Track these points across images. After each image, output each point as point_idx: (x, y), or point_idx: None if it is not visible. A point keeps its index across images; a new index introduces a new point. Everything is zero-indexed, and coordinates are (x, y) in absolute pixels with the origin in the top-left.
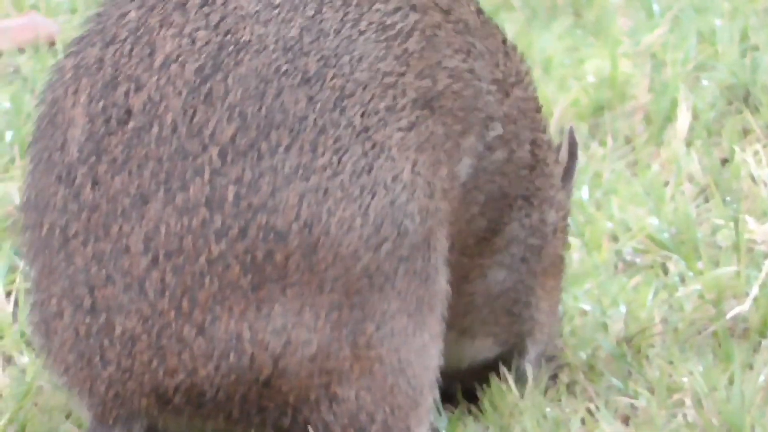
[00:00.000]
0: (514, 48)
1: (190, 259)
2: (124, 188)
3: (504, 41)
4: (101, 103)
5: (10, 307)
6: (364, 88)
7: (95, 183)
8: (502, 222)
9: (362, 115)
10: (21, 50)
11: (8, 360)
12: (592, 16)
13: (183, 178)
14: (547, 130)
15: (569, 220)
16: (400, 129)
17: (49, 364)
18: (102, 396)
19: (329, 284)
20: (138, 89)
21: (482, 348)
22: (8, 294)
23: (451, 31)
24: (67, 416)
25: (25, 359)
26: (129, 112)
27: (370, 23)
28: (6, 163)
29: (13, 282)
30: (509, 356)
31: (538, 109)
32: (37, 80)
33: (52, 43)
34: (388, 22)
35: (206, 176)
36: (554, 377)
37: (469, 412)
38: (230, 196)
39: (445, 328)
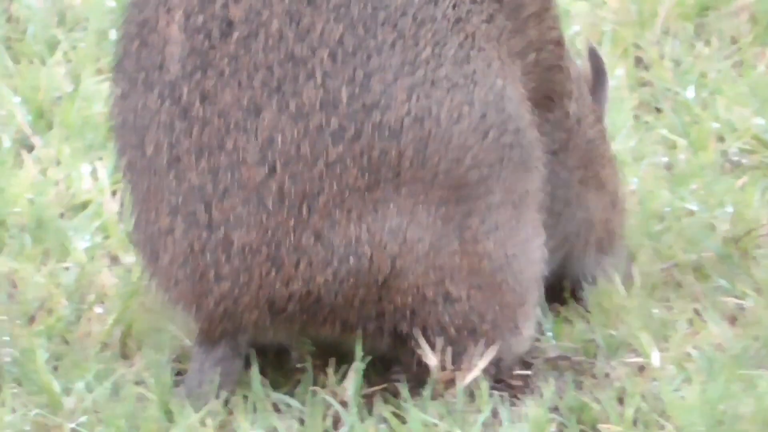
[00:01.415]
0: None
1: (308, 164)
2: (236, 100)
3: None
4: (200, 18)
5: (116, 207)
6: None
7: (204, 98)
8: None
9: (453, 7)
10: None
11: (114, 259)
12: None
13: (295, 84)
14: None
15: (600, 120)
16: (483, 21)
17: (154, 281)
18: (210, 311)
19: (441, 177)
20: (237, 0)
21: None
22: (114, 193)
23: None
24: (173, 317)
25: (131, 258)
26: (231, 24)
27: None
28: (110, 62)
29: (118, 182)
30: (567, 269)
31: (555, 6)
32: None
33: None
34: None
35: (318, 79)
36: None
37: (577, 313)
38: (344, 98)
39: None
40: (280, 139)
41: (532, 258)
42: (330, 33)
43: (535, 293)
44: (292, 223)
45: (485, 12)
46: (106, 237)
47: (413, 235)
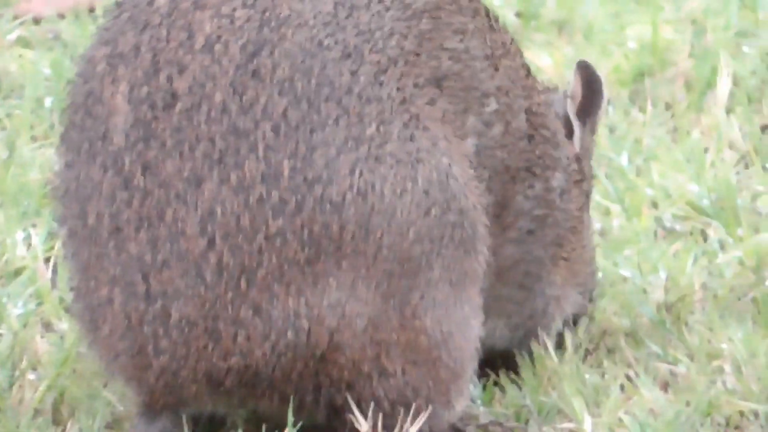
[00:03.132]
0: (497, 19)
1: (248, 237)
2: (177, 172)
3: (488, 14)
4: (144, 89)
5: (49, 274)
6: (395, 64)
7: (145, 169)
8: (507, 196)
9: (398, 89)
10: (61, 16)
11: (47, 326)
12: None
13: (237, 157)
14: (541, 91)
15: (586, 165)
16: (425, 103)
17: (93, 352)
18: (152, 385)
19: (383, 253)
20: (181, 72)
21: (494, 330)
22: (47, 260)
23: (449, 12)
24: (106, 384)
25: (64, 325)
26: (175, 96)
27: (393, 0)
28: (46, 129)
29: (52, 248)
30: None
31: (528, 75)
32: (77, 46)
33: (92, 9)
34: (406, 0)
35: (260, 153)
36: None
37: (509, 378)
38: (286, 171)
39: None
40: (220, 211)
41: (468, 336)
42: (273, 107)
43: (469, 370)
44: (230, 296)
45: (427, 96)
46: (40, 303)
47: (352, 310)
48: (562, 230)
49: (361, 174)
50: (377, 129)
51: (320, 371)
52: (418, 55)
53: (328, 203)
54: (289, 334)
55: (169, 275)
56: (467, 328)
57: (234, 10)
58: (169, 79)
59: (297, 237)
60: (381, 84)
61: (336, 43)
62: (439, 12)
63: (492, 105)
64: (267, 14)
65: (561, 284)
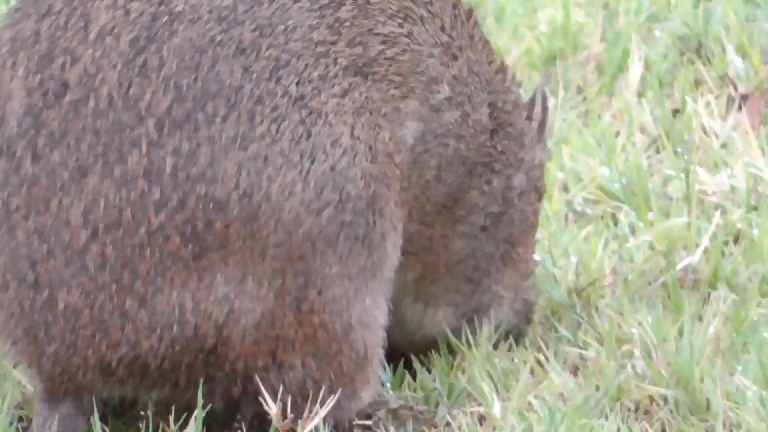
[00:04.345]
0: (468, 13)
1: (130, 231)
2: (63, 161)
3: (455, 6)
4: (38, 77)
5: None
6: (298, 58)
7: (35, 157)
8: (462, 189)
9: (297, 84)
10: None
11: None
12: None
13: (120, 151)
14: (512, 91)
15: (542, 177)
16: (334, 96)
17: None
18: (49, 371)
19: (271, 251)
20: (74, 62)
21: (444, 318)
22: None
23: None
24: (16, 364)
25: None
26: (66, 86)
27: None
28: None
29: None
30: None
31: (498, 71)
32: None
33: None
34: None
35: (143, 148)
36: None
37: (420, 362)
38: (168, 168)
39: (412, 299)
40: (102, 204)
41: (371, 327)
42: (158, 103)
43: (374, 360)
44: (114, 287)
45: (338, 87)
46: None
47: (242, 305)
48: (517, 230)
49: (248, 174)
50: (268, 128)
51: (211, 364)
52: (333, 43)
53: (212, 202)
54: (175, 327)
55: (55, 264)
56: (369, 320)
57: (131, 1)
58: (62, 68)
59: (179, 233)
60: (278, 80)
61: (230, 39)
62: None
63: (444, 92)
64: (161, 8)
65: (507, 285)
